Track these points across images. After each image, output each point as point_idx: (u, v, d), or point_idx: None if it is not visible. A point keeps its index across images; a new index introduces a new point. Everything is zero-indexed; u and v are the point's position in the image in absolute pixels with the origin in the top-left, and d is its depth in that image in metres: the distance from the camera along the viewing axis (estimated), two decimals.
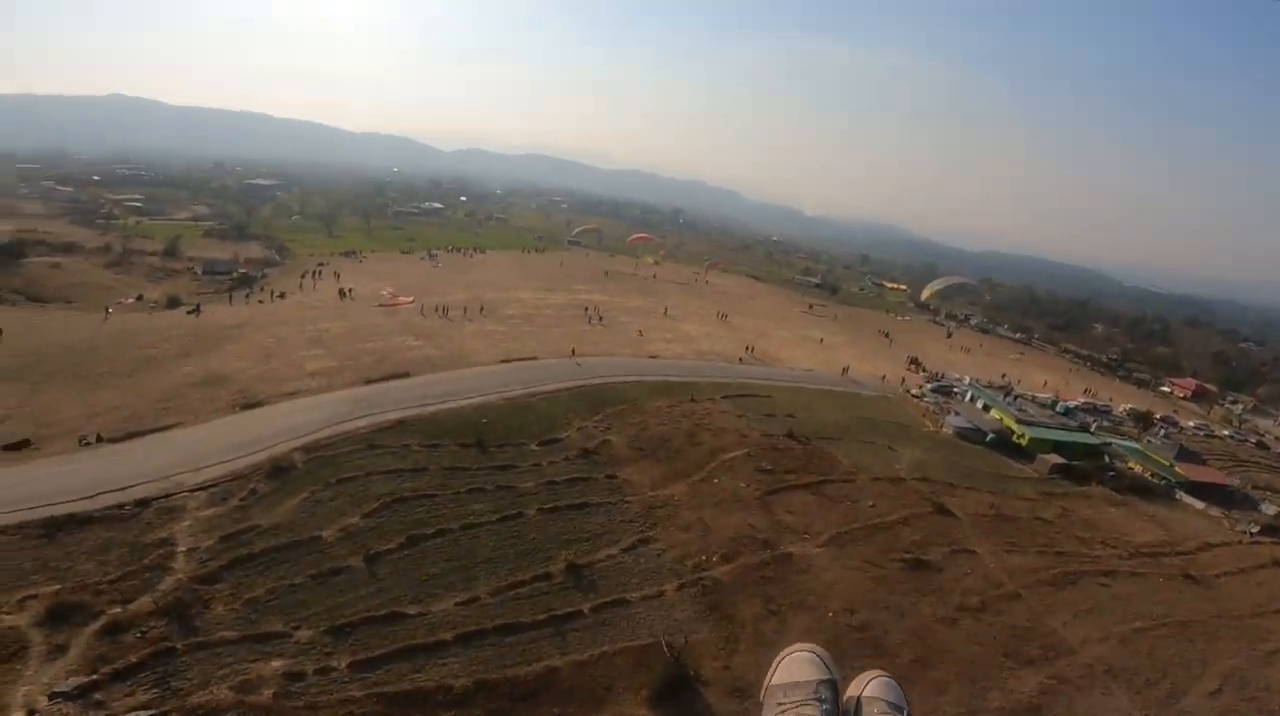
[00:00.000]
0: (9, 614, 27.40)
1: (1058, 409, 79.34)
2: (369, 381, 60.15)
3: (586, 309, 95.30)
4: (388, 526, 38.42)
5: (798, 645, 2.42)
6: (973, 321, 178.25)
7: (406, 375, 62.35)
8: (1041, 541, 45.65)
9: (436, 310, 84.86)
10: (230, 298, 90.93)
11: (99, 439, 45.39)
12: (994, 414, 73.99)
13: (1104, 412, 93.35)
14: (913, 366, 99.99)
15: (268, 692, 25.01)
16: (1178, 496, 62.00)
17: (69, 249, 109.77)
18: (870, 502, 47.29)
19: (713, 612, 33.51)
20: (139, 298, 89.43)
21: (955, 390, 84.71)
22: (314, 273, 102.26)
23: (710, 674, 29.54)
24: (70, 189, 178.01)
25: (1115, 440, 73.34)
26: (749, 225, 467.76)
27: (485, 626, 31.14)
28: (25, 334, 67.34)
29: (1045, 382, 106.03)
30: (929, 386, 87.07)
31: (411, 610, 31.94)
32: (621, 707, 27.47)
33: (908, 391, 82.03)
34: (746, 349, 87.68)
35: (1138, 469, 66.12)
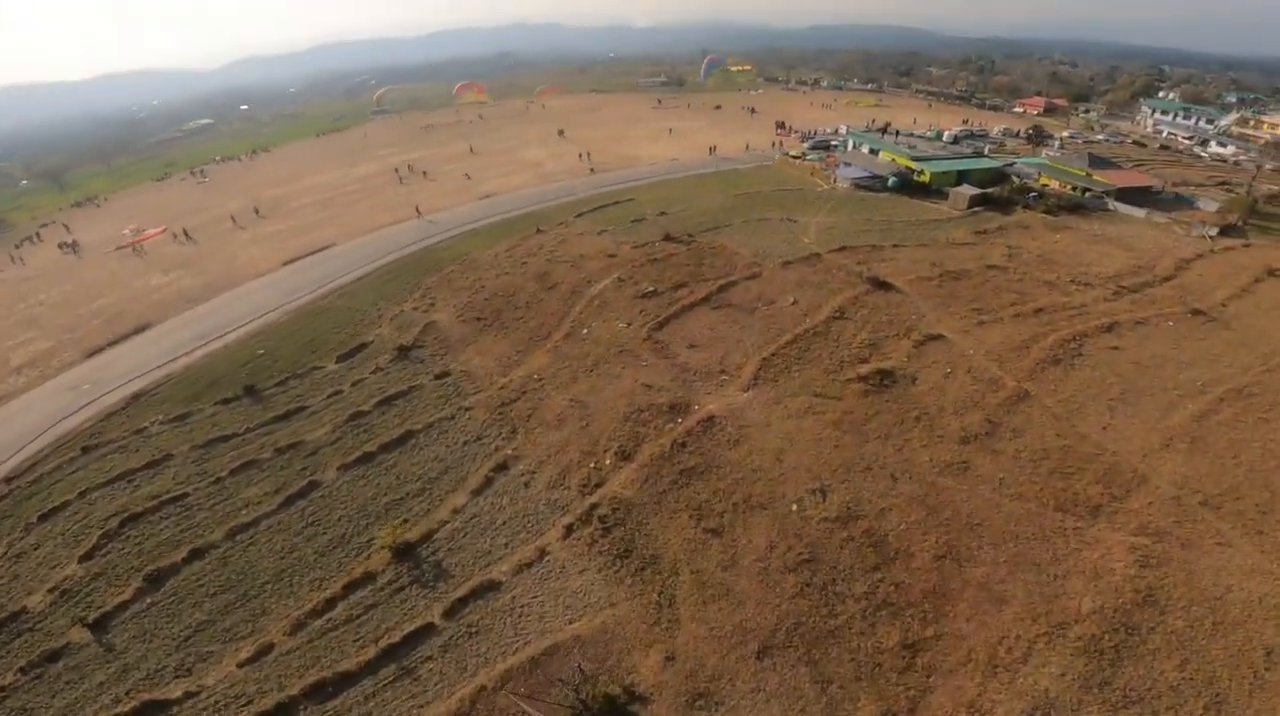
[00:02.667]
0: None
1: (945, 139, 67.32)
2: (92, 353, 40.36)
3: (398, 170, 73.31)
4: (118, 566, 23.69)
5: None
6: (824, 83, 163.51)
7: (147, 327, 42.41)
8: (1009, 298, 34.14)
9: (176, 237, 60.75)
10: None
11: None
12: (884, 157, 61.29)
13: (982, 136, 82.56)
14: (782, 130, 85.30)
15: None
16: (1111, 207, 51.57)
17: None
18: (790, 299, 34.10)
19: (625, 562, 20.03)
20: None
21: (834, 144, 71.11)
22: (32, 237, 72.95)
23: (648, 677, 16.78)
24: None
25: (1017, 159, 62.39)
26: (582, 50, 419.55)
27: (291, 693, 18.03)
28: None
29: (915, 120, 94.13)
30: (806, 145, 73.21)
31: (175, 690, 18.87)
32: None
33: (786, 154, 67.80)
34: (581, 156, 70.82)
35: (1055, 186, 55.88)
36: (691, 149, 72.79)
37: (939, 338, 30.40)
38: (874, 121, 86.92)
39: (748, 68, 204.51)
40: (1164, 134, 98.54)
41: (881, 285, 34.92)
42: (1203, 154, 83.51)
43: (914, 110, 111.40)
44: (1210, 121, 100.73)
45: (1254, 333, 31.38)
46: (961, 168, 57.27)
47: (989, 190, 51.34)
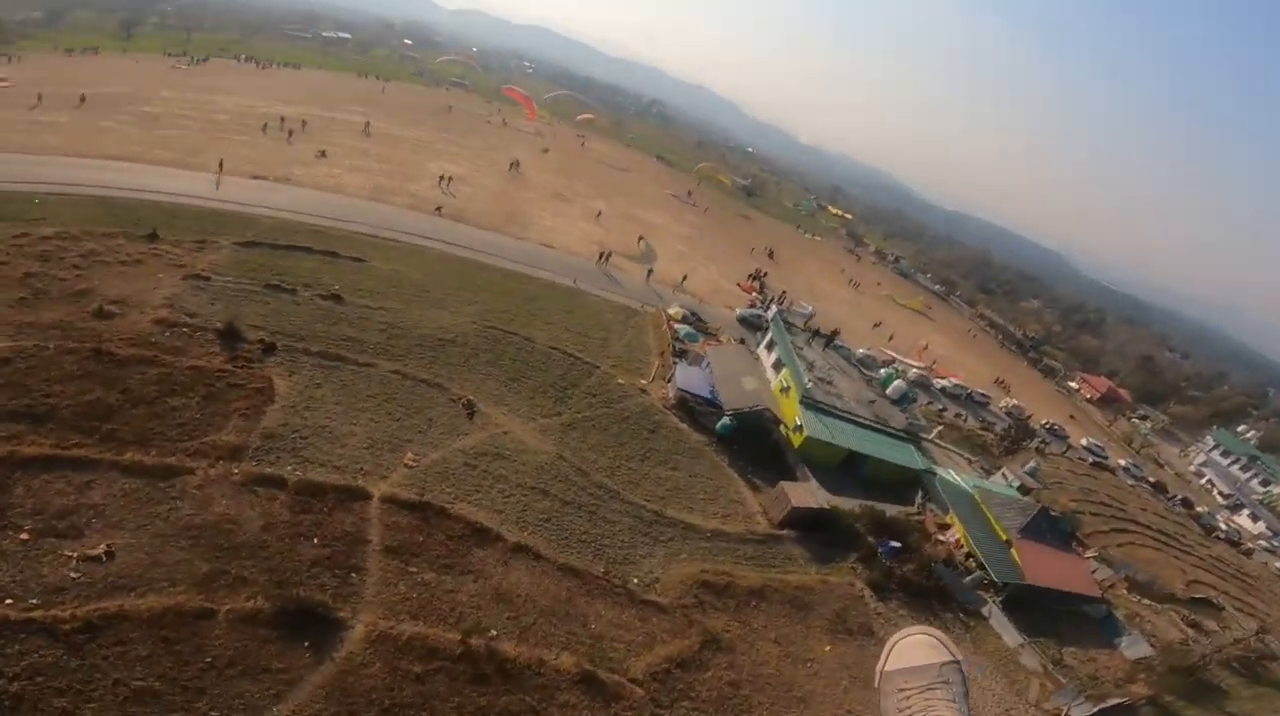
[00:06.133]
0: None
1: (890, 390, 46.20)
2: None
3: (284, 120, 58.69)
4: None
5: (912, 628, 1.94)
6: (901, 262, 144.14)
7: None
8: None
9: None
10: None
11: None
12: (783, 378, 41.40)
13: (981, 404, 60.89)
14: (753, 282, 66.28)
15: None
16: (986, 611, 29.32)
17: None
18: None
19: None
20: None
21: (767, 324, 51.57)
22: None
23: None
24: None
25: (950, 474, 39.23)
26: (733, 135, 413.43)
27: None
28: None
29: (926, 345, 73.35)
30: (738, 312, 53.94)
31: None
32: None
33: (667, 312, 45.79)
34: (444, 181, 54.68)
35: (958, 536, 33.21)
36: (594, 245, 54.56)
37: None
38: (809, 321, 52.48)
39: (847, 215, 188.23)
40: (1203, 480, 78.44)
41: None
42: (1220, 525, 60.52)
43: (952, 336, 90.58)
44: (1265, 483, 78.74)
45: None
46: (864, 447, 36.69)
47: (832, 514, 29.95)
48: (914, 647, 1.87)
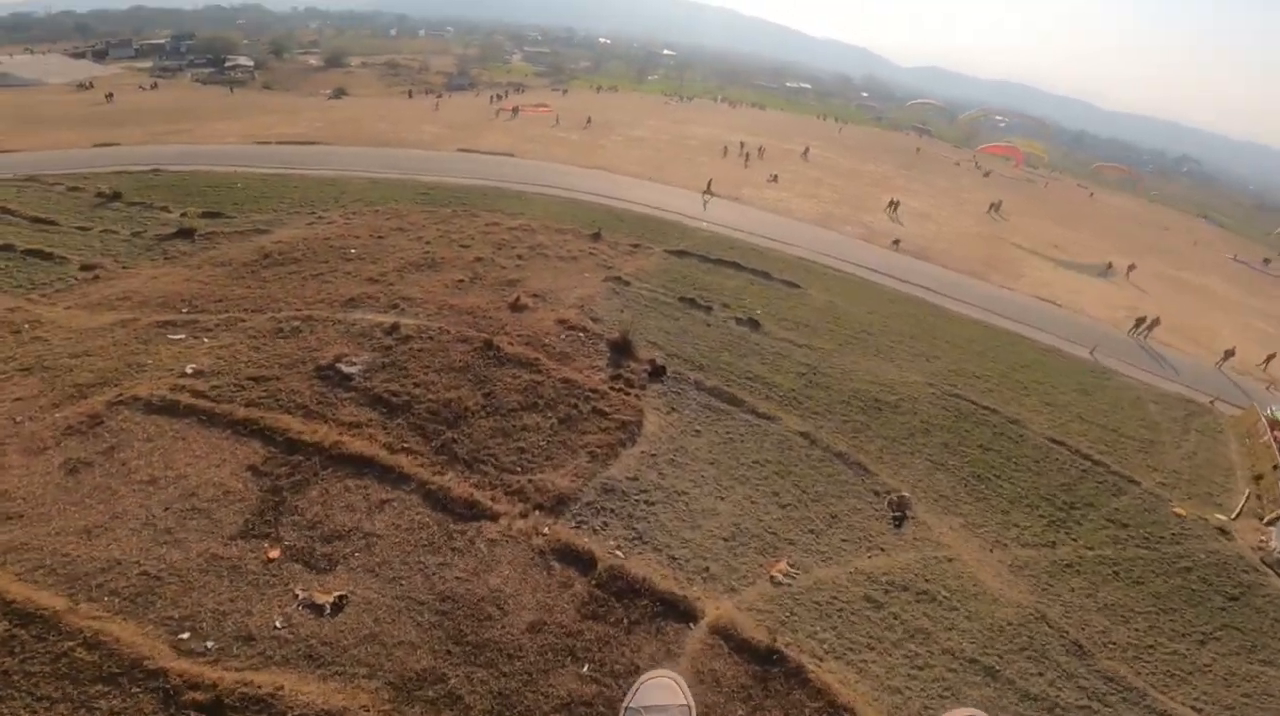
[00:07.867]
0: None
1: None
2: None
3: (743, 146, 60.92)
4: None
5: (657, 671, 2.10)
6: None
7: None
8: None
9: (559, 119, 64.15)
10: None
11: None
12: None
13: None
14: None
15: None
16: None
17: None
18: None
19: None
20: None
21: None
22: (500, 94, 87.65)
23: None
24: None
25: None
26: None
27: None
28: None
29: None
30: None
31: None
32: None
33: (1272, 413, 24.35)
34: (891, 206, 47.47)
35: None
36: (1119, 308, 35.92)
37: None
38: None
39: None
40: None
41: None
42: None
43: None
44: None
45: None
46: None
47: None
48: (656, 689, 1.92)
